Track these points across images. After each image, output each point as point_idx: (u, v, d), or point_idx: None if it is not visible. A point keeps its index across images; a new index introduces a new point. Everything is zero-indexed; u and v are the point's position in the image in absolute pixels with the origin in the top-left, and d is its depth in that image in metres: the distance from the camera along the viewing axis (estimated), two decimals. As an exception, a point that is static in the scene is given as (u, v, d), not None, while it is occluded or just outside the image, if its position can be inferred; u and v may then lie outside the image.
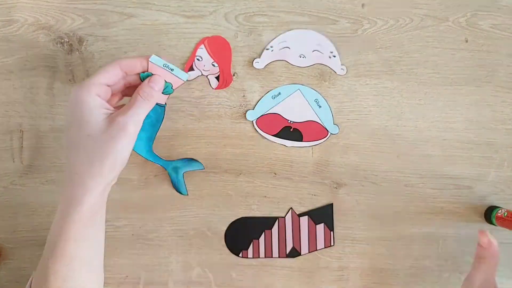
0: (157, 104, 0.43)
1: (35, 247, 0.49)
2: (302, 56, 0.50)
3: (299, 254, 0.51)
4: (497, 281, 0.51)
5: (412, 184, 0.51)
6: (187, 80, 0.42)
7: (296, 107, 0.50)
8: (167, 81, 0.42)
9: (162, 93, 0.43)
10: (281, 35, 0.50)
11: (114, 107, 0.41)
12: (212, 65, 0.49)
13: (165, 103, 0.44)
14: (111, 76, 0.40)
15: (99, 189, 0.37)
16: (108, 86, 0.40)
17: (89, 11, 0.49)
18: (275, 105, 0.50)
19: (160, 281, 0.50)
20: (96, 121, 0.38)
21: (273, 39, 0.50)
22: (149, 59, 0.41)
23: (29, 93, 0.49)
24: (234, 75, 0.50)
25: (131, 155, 0.49)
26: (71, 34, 0.49)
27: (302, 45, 0.50)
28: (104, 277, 0.49)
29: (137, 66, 0.41)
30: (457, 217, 0.52)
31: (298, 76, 0.51)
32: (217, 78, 0.49)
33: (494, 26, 0.52)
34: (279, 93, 0.50)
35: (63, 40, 0.49)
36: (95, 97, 0.38)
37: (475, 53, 0.52)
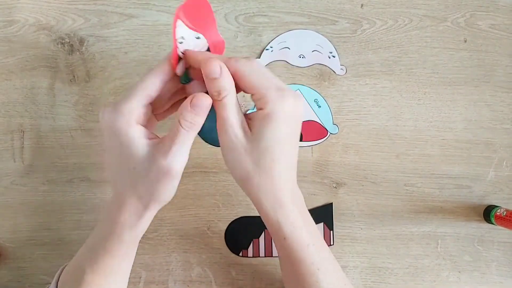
0: None
1: (36, 247, 0.49)
2: (301, 56, 0.51)
3: (299, 253, 0.51)
4: (496, 280, 0.52)
5: (411, 184, 0.52)
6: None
7: (295, 107, 0.51)
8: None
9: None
10: (281, 36, 0.50)
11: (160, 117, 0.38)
12: (197, 38, 0.37)
13: None
14: (151, 92, 0.34)
15: (151, 216, 0.37)
16: (149, 103, 0.35)
17: (90, 11, 0.49)
18: (275, 105, 0.50)
19: (161, 280, 0.50)
20: (139, 155, 0.34)
21: (273, 39, 0.50)
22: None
23: (30, 93, 0.49)
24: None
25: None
26: (72, 35, 0.49)
27: (302, 46, 0.50)
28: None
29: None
30: (456, 217, 0.52)
31: (297, 76, 0.51)
32: (208, 49, 0.39)
33: (492, 26, 0.52)
34: (279, 93, 0.50)
35: (64, 41, 0.49)
36: (136, 126, 0.33)
37: (474, 53, 0.52)
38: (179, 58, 0.35)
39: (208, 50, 0.38)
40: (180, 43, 0.35)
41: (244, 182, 0.37)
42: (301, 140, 0.51)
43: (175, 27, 0.34)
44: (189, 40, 0.36)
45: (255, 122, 0.35)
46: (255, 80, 0.34)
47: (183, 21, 0.35)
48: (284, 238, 0.37)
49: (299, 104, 0.36)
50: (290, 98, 0.34)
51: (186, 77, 0.36)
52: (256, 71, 0.35)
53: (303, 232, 0.38)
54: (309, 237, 0.38)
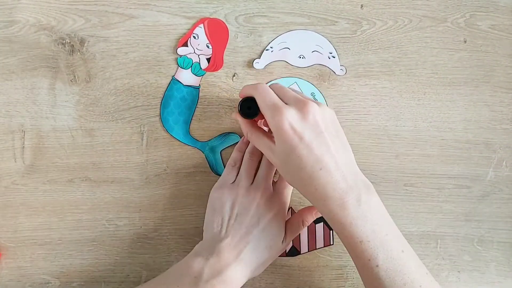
0: (191, 86, 0.45)
1: (36, 247, 0.49)
2: (301, 56, 0.51)
3: (298, 253, 0.51)
4: (495, 279, 0.52)
5: (411, 184, 0.52)
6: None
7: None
8: (194, 61, 0.46)
9: (195, 74, 0.47)
10: (281, 36, 0.50)
11: None
12: (207, 46, 0.49)
13: (199, 85, 0.48)
14: None
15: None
16: None
17: (90, 12, 0.49)
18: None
19: (161, 280, 0.50)
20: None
21: (273, 39, 0.50)
22: None
23: (30, 93, 0.49)
24: (234, 75, 0.50)
25: (126, 154, 0.50)
26: (73, 35, 0.49)
27: (302, 46, 0.51)
28: (106, 276, 0.50)
29: None
30: (455, 216, 0.52)
31: (297, 77, 0.51)
32: (208, 60, 0.50)
33: (492, 27, 0.52)
34: (276, 86, 0.51)
35: (64, 41, 0.49)
36: None
37: (473, 53, 0.52)
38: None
39: (209, 60, 0.49)
40: (194, 37, 0.48)
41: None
42: None
43: (196, 25, 0.47)
44: (201, 41, 0.48)
45: None
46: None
47: (204, 27, 0.48)
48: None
49: (285, 115, 0.39)
50: (282, 114, 0.38)
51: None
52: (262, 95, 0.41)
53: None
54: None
